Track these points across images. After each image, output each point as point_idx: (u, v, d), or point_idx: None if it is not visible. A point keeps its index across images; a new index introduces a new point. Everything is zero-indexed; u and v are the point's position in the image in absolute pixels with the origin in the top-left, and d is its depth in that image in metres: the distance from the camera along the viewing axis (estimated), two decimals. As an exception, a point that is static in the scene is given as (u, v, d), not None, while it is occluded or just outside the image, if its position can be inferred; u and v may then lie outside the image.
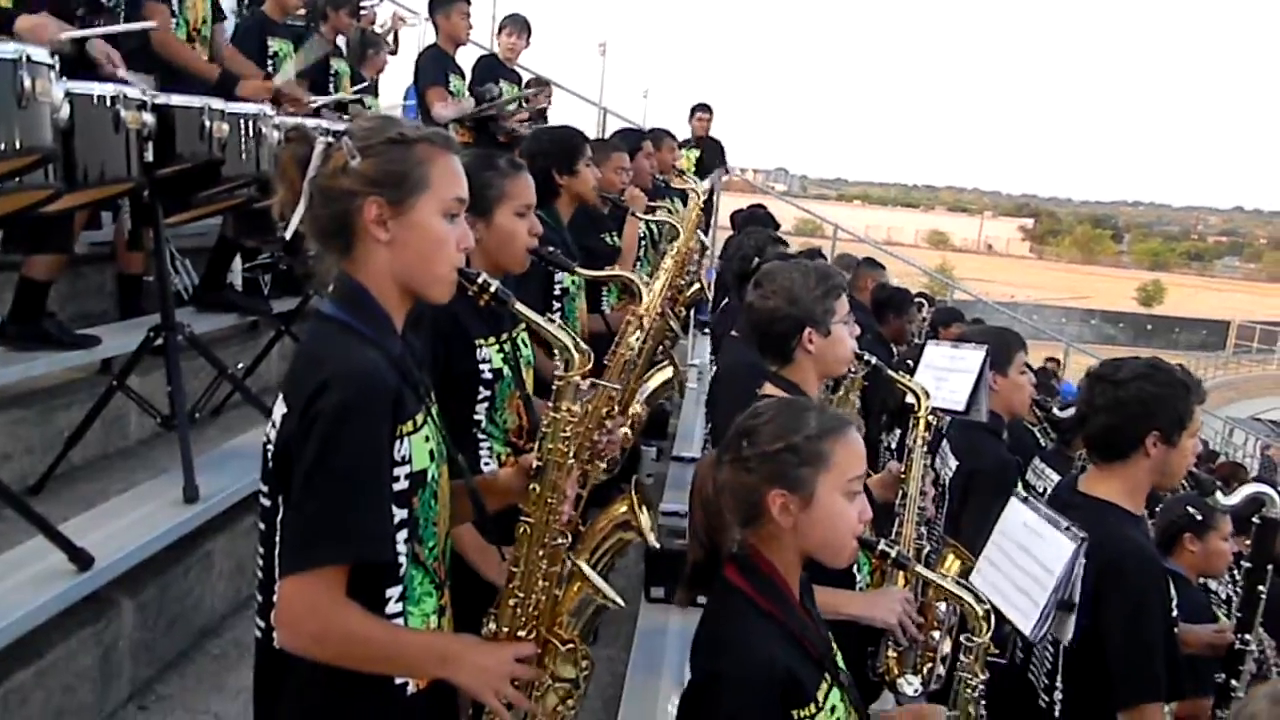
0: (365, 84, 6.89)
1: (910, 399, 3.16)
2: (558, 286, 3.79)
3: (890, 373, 3.16)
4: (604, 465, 2.88)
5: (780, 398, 2.08)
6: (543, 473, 2.00)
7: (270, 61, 5.73)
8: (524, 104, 7.06)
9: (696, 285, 5.19)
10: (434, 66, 6.70)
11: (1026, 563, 2.46)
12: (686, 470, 6.04)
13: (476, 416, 2.59)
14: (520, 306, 2.01)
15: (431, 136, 1.84)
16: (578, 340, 2.04)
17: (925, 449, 3.09)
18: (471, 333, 2.56)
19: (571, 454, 2.02)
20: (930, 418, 3.13)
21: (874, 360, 3.11)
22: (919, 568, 2.16)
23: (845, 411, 3.76)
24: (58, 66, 2.81)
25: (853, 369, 3.28)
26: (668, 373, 3.89)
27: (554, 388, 2.04)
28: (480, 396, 2.58)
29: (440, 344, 2.46)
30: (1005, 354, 3.77)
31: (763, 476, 1.87)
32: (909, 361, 5.00)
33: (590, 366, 2.05)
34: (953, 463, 3.75)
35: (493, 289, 1.95)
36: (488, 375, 2.58)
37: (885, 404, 4.75)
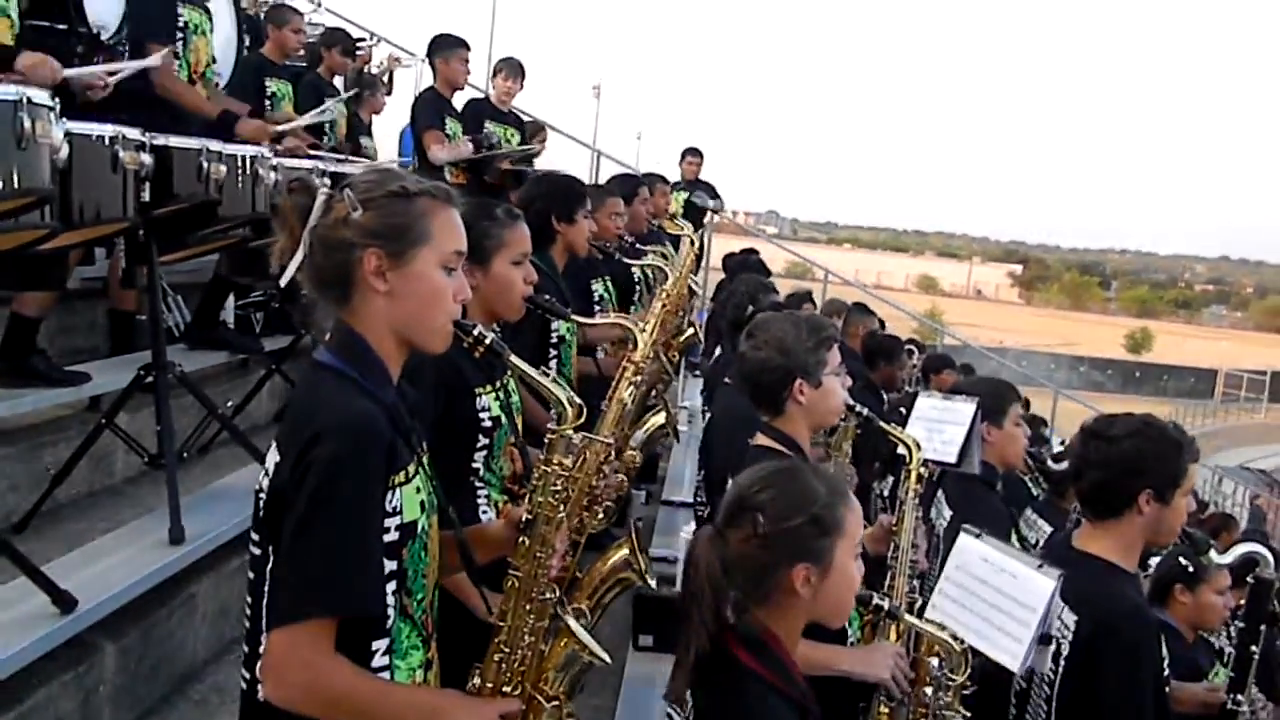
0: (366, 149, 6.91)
1: (902, 450, 3.16)
2: (554, 334, 3.80)
3: (882, 424, 3.15)
4: (600, 512, 2.87)
5: (770, 463, 2.02)
6: (532, 526, 2.01)
7: (268, 102, 5.77)
8: (524, 157, 7.10)
9: (690, 330, 5.22)
10: (431, 110, 6.76)
11: (995, 599, 2.47)
12: (676, 514, 6.04)
13: (475, 465, 2.59)
14: (515, 359, 2.04)
15: (433, 190, 1.87)
16: (571, 394, 2.05)
17: (917, 501, 3.07)
18: (472, 381, 2.57)
19: (562, 507, 2.03)
20: (922, 469, 3.11)
21: (866, 411, 3.10)
22: (912, 618, 2.16)
23: (839, 461, 3.78)
24: (58, 108, 2.82)
25: (844, 419, 3.28)
26: (661, 419, 3.90)
27: (546, 440, 2.05)
28: (479, 445, 2.59)
29: (443, 392, 2.47)
30: (1000, 405, 3.78)
31: (785, 552, 1.84)
32: (901, 409, 5.02)
33: (583, 419, 2.06)
34: (947, 513, 3.75)
35: (488, 341, 1.97)
36: (487, 423, 2.59)
37: (877, 452, 4.76)
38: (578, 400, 2.05)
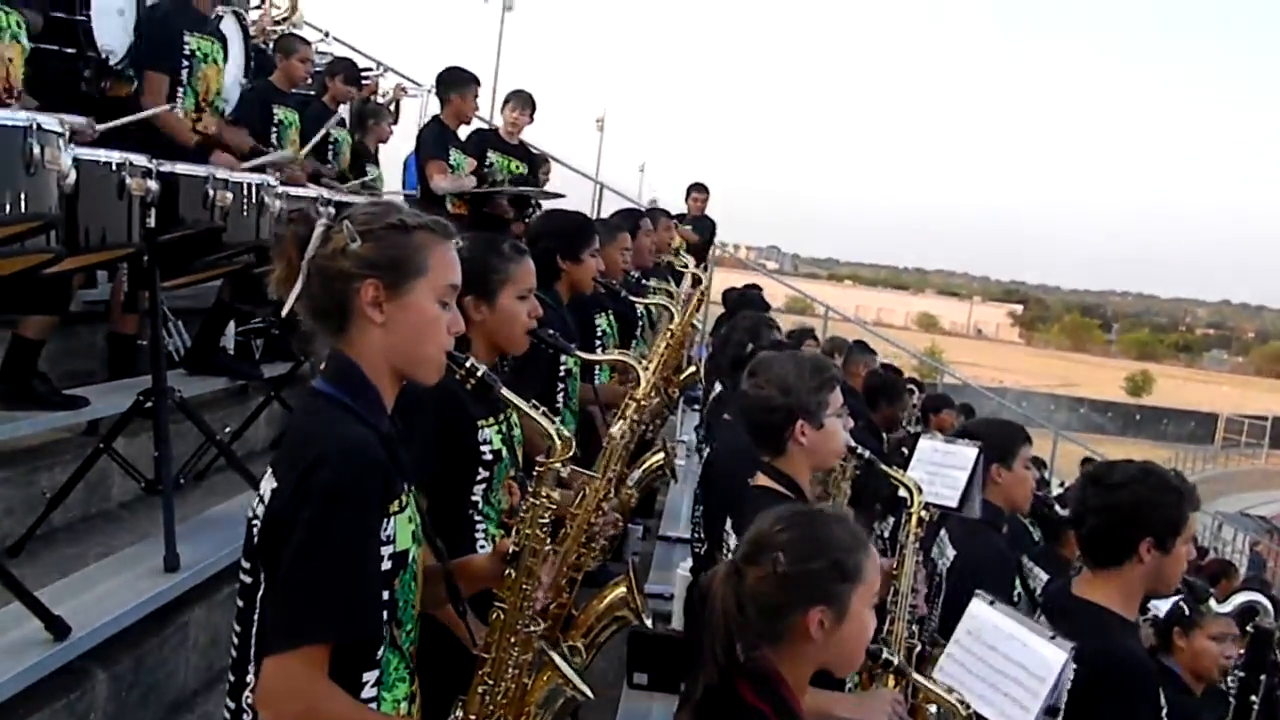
0: (371, 177, 6.97)
1: (903, 492, 3.15)
2: (561, 368, 3.80)
3: (884, 467, 3.16)
4: (596, 550, 2.88)
5: (793, 505, 2.07)
6: (519, 559, 2.03)
7: (275, 130, 5.81)
8: (525, 194, 7.14)
9: (691, 369, 5.23)
10: (436, 141, 6.81)
11: (1005, 666, 2.45)
12: (673, 551, 6.04)
13: (474, 498, 2.60)
14: (505, 391, 2.07)
15: (431, 225, 1.90)
16: (560, 427, 2.09)
17: (918, 545, 3.08)
18: (474, 414, 2.58)
19: (549, 540, 2.06)
20: (923, 513, 3.12)
21: (867, 454, 3.11)
22: (915, 675, 2.16)
23: (837, 502, 3.76)
24: (67, 134, 2.85)
25: (844, 459, 3.25)
26: (659, 458, 3.96)
27: (534, 473, 2.09)
28: (479, 478, 2.59)
29: (444, 424, 2.49)
30: (1009, 447, 3.77)
31: (803, 594, 1.83)
32: (902, 449, 5.04)
33: (571, 453, 2.10)
34: (950, 553, 3.73)
35: (479, 373, 2.02)
36: (488, 456, 2.59)
37: (877, 493, 4.74)
38: (566, 434, 2.10)
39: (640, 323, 5.21)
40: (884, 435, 5.96)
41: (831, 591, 1.83)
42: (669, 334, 4.27)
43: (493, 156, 7.09)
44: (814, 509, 2.09)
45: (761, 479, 2.73)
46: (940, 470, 3.52)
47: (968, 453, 3.50)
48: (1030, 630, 2.43)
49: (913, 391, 7.87)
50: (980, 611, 2.57)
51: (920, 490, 3.12)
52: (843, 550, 1.85)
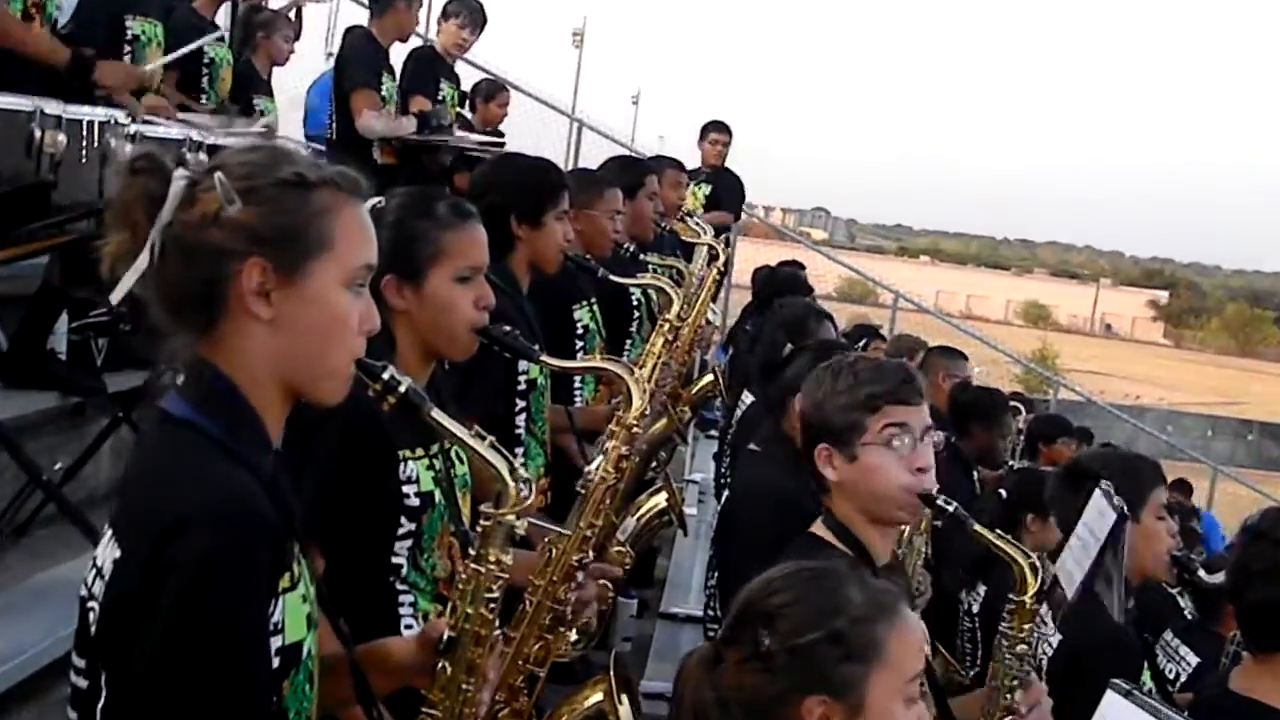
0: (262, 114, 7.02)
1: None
2: (522, 379, 3.79)
3: (977, 528, 3.03)
4: (574, 635, 2.87)
5: (798, 562, 2.05)
6: (455, 646, 2.04)
7: (128, 48, 5.80)
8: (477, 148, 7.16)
9: (708, 378, 5.28)
10: (365, 62, 6.80)
11: None
12: (680, 633, 6.03)
13: (395, 559, 2.59)
14: (438, 415, 2.06)
15: (337, 179, 1.88)
16: (515, 464, 2.10)
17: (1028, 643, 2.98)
18: (396, 442, 2.57)
19: (497, 621, 2.08)
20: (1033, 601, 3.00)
21: (952, 506, 2.98)
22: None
23: (909, 563, 3.75)
24: None
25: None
26: (661, 500, 4.01)
27: (479, 528, 2.10)
28: (402, 531, 2.59)
29: (352, 454, 2.49)
30: (1136, 491, 3.69)
31: (795, 678, 1.85)
32: (1000, 491, 5.02)
33: (528, 501, 2.09)
34: (1054, 637, 3.68)
35: (402, 389, 2.00)
36: (413, 501, 2.58)
37: (965, 551, 4.74)
38: (525, 475, 2.10)
39: (638, 315, 5.21)
40: (975, 472, 5.94)
41: (833, 675, 1.85)
42: (668, 326, 4.28)
43: (444, 89, 7.14)
44: (824, 565, 2.09)
45: (818, 527, 2.77)
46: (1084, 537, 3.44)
47: (1100, 512, 3.40)
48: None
49: (1018, 411, 7.83)
50: (1115, 705, 2.57)
51: (1037, 570, 2.98)
52: (851, 618, 1.86)
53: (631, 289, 4.92)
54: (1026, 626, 2.97)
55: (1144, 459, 4.08)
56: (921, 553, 3.88)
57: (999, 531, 3.12)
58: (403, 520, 2.58)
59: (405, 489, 2.58)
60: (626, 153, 10.26)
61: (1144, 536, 3.76)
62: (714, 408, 7.45)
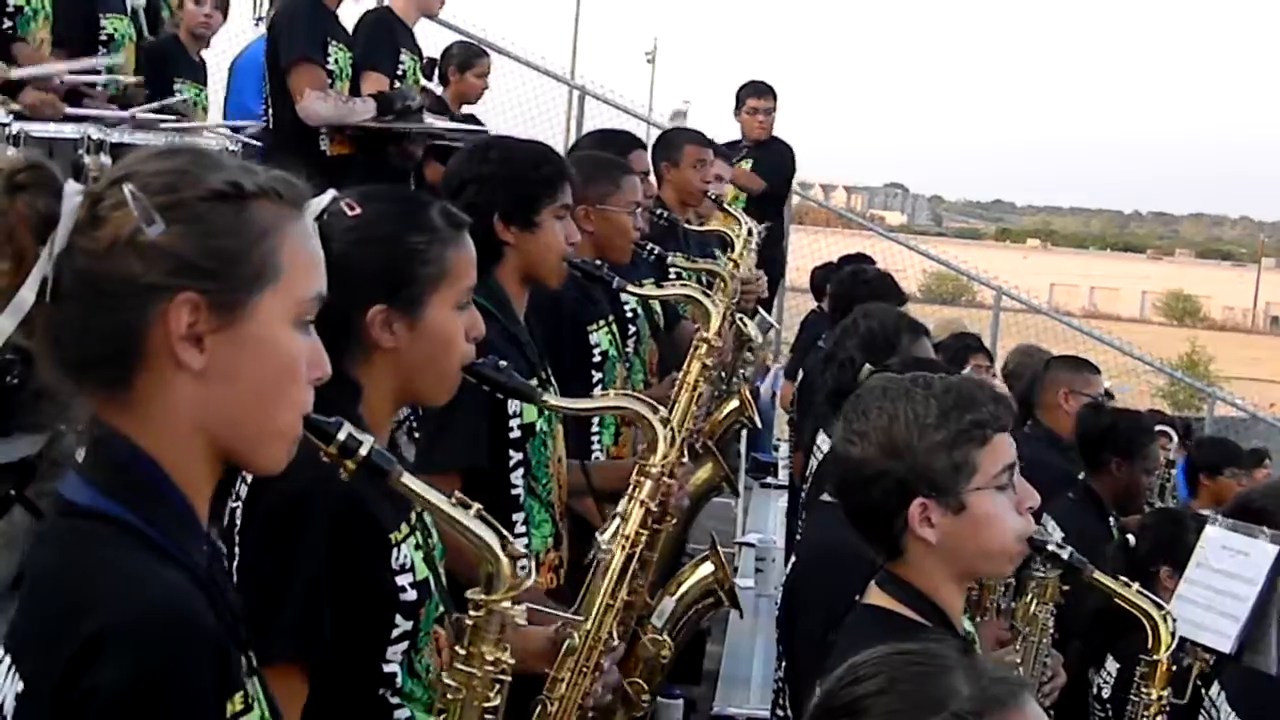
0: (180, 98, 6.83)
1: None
2: (514, 422, 3.42)
3: (1097, 575, 2.92)
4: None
5: (890, 646, 1.81)
6: None
7: (8, 21, 5.67)
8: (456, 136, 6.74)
9: (733, 404, 4.96)
10: (309, 30, 6.21)
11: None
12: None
13: (388, 668, 2.40)
14: (409, 481, 1.97)
15: (278, 188, 1.74)
16: (506, 539, 2.04)
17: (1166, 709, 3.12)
18: (381, 520, 2.38)
19: None
20: (1171, 663, 3.04)
21: (1066, 552, 2.86)
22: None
23: (1030, 640, 3.61)
24: None
25: (1036, 565, 3.32)
26: (708, 570, 3.72)
27: (468, 621, 2.08)
28: (396, 633, 2.39)
29: (342, 551, 2.30)
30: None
31: None
32: (1128, 537, 4.86)
33: (529, 582, 2.06)
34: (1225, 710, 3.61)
35: (363, 453, 1.88)
36: (409, 595, 2.40)
37: (1094, 619, 4.48)
38: (521, 551, 2.05)
39: (634, 330, 4.86)
40: (1112, 515, 5.48)
41: None
42: (704, 350, 4.02)
43: (405, 61, 6.68)
44: (925, 647, 1.88)
45: (875, 594, 2.58)
46: (1220, 584, 3.48)
47: (1263, 553, 3.42)
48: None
49: (1169, 438, 7.27)
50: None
51: (1169, 622, 2.94)
52: (953, 713, 1.68)
53: (626, 299, 4.55)
54: (1165, 692, 3.06)
55: None
56: (1046, 625, 3.66)
57: (1123, 579, 3.03)
58: (398, 620, 2.40)
59: (399, 580, 2.40)
60: (642, 125, 9.83)
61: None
62: (768, 448, 6.94)
